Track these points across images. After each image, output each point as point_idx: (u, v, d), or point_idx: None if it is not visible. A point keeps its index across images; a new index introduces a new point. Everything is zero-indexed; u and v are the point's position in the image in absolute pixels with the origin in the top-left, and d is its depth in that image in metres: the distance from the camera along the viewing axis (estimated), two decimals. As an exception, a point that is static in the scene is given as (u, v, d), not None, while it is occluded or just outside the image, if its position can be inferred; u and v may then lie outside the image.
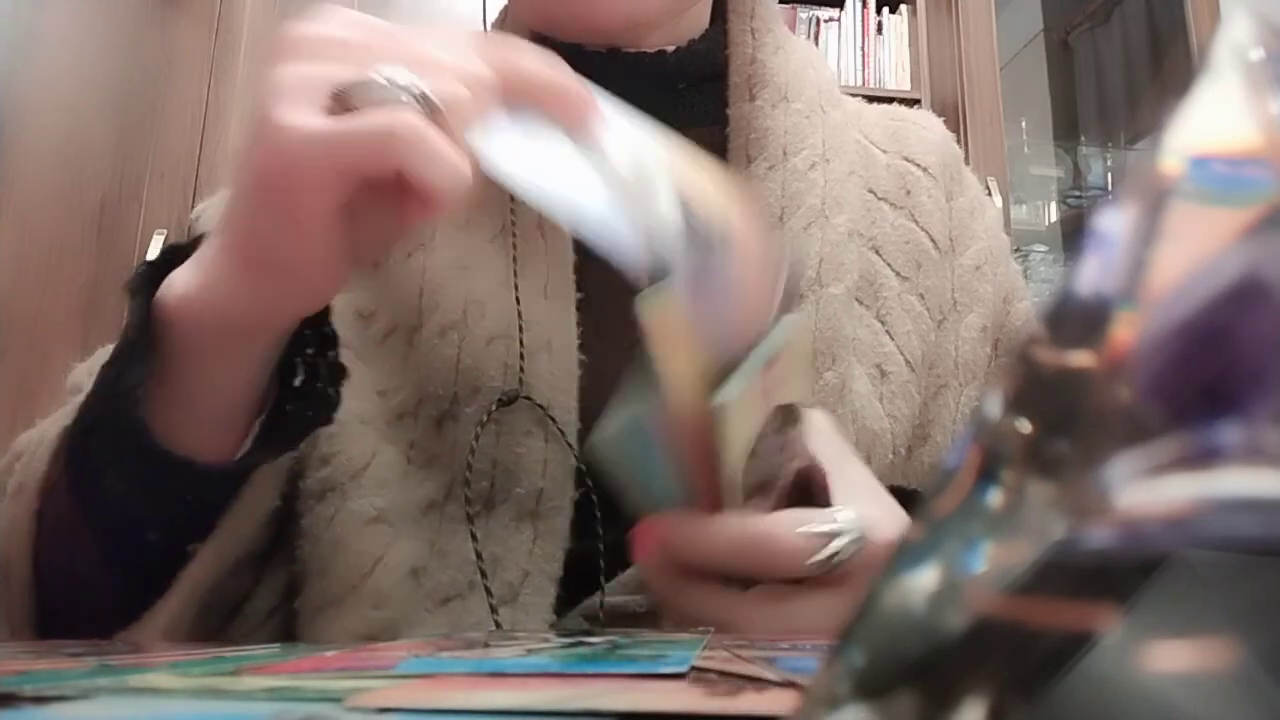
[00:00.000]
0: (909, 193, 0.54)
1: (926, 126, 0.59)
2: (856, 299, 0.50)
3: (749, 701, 0.15)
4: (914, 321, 0.50)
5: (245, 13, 1.87)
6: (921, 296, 0.51)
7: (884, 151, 0.56)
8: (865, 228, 0.52)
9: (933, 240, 0.53)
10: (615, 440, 0.30)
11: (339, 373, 0.39)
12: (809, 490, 0.34)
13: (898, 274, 0.51)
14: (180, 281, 0.34)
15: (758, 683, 0.18)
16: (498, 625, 0.41)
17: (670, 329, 0.28)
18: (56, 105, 1.73)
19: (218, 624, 0.42)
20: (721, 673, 0.19)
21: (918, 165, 0.56)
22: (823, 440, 0.36)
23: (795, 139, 0.52)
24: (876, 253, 0.52)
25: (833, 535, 0.31)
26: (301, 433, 0.39)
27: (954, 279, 0.54)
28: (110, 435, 0.35)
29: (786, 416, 0.33)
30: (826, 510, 0.32)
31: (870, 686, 0.11)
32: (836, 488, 0.34)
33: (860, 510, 0.33)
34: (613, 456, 0.31)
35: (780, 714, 0.14)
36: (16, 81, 1.71)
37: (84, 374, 0.52)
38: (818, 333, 0.47)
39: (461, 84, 0.30)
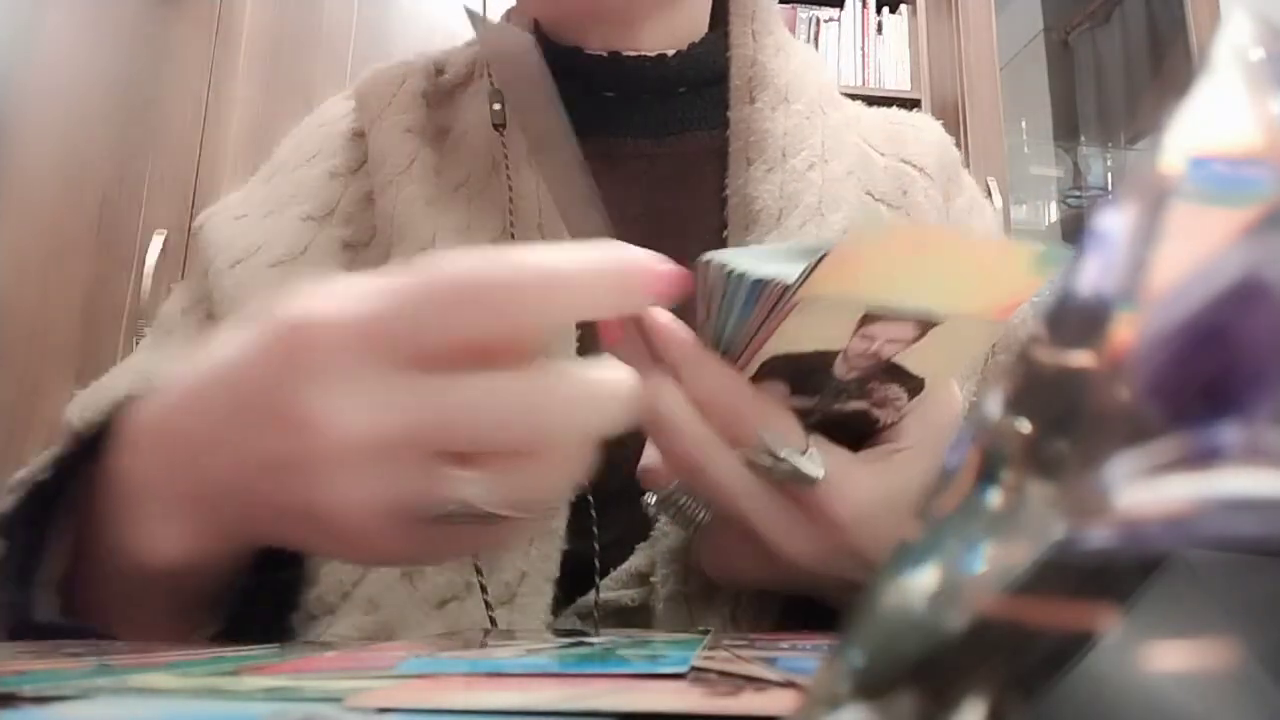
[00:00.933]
0: (905, 193, 0.55)
1: (924, 129, 0.60)
2: None
3: (749, 701, 0.15)
4: None
5: (245, 13, 1.87)
6: None
7: (882, 154, 0.56)
8: None
9: None
10: (731, 276, 0.32)
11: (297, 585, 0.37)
12: (863, 433, 0.36)
13: None
14: (147, 542, 0.30)
15: (758, 683, 0.18)
16: (493, 624, 0.41)
17: (855, 260, 0.29)
18: (56, 105, 1.73)
19: None
20: (721, 673, 0.19)
21: (915, 166, 0.56)
22: (929, 417, 0.37)
23: (794, 140, 0.52)
24: None
25: (776, 454, 0.33)
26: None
27: None
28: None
29: (897, 373, 0.34)
30: (801, 434, 0.34)
31: (870, 686, 0.11)
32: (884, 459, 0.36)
33: (838, 468, 0.34)
34: (716, 280, 0.33)
35: (780, 714, 0.14)
36: (16, 81, 1.71)
37: (79, 409, 0.50)
38: None
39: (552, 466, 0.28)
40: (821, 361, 0.33)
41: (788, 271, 0.31)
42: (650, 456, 0.37)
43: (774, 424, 0.34)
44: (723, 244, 0.50)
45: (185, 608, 0.34)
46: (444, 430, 0.26)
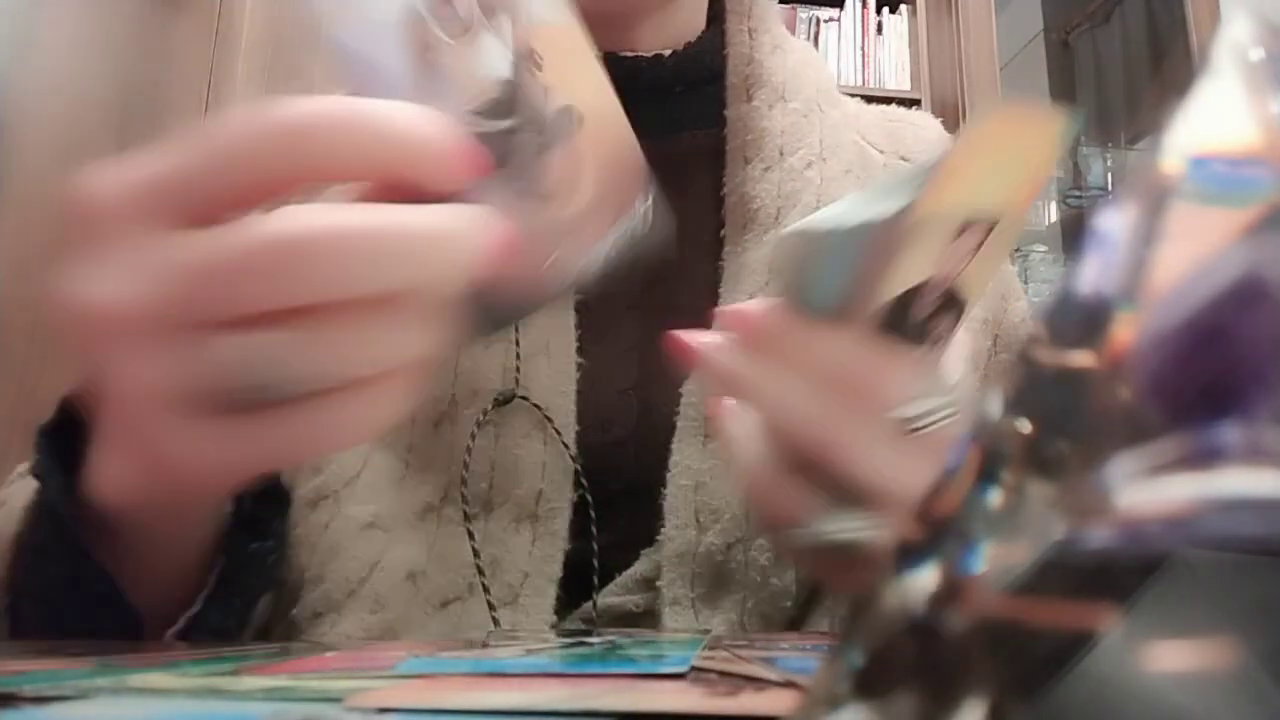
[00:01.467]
0: None
1: (924, 126, 0.60)
2: None
3: (749, 701, 0.15)
4: None
5: (245, 13, 1.87)
6: None
7: (881, 152, 0.56)
8: None
9: None
10: (820, 236, 0.30)
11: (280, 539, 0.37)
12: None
13: None
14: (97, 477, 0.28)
15: (758, 683, 0.18)
16: (496, 625, 0.41)
17: (956, 170, 0.28)
18: (56, 105, 1.73)
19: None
20: (721, 673, 0.19)
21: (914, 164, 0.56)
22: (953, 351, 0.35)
23: (792, 139, 0.52)
24: None
25: (925, 399, 0.30)
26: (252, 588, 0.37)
27: None
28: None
29: (951, 301, 0.32)
30: (943, 380, 0.32)
31: (870, 686, 0.11)
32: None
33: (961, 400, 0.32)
34: (796, 251, 0.32)
35: (780, 714, 0.14)
36: (16, 81, 1.71)
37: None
38: None
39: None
40: (901, 309, 0.31)
41: (880, 210, 0.29)
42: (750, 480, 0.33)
43: (903, 374, 0.31)
44: (720, 244, 0.50)
45: (168, 577, 0.34)
46: (215, 286, 0.22)
